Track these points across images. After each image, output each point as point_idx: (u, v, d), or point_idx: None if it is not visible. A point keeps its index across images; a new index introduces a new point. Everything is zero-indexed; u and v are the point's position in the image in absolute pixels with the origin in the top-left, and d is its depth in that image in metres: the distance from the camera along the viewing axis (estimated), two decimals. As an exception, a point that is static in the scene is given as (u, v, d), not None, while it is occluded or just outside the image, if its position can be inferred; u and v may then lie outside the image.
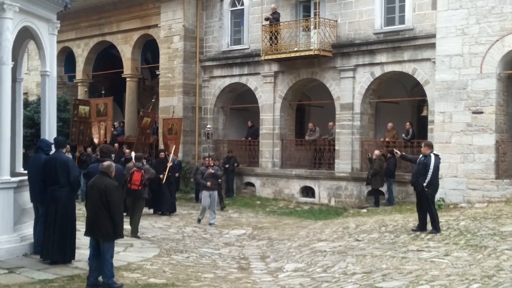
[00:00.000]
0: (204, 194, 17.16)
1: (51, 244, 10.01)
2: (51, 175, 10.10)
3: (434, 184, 12.96)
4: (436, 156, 13.05)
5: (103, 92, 23.00)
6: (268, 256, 12.62)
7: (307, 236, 14.70)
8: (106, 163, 9.25)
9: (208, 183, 16.93)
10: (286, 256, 12.39)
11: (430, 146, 13.37)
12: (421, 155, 13.27)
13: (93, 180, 8.97)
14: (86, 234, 9.06)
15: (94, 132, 22.69)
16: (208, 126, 24.08)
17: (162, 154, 20.37)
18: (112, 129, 25.06)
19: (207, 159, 18.43)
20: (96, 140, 22.63)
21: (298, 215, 19.78)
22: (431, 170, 12.74)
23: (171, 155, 20.18)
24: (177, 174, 21.84)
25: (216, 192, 17.50)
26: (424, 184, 12.73)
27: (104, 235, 8.68)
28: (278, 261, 12.03)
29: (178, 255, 12.20)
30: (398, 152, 14.27)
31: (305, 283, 9.67)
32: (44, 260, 10.11)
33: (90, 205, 8.84)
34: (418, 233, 12.71)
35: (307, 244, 13.56)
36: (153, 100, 24.82)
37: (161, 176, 18.51)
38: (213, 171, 17.18)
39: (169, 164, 19.12)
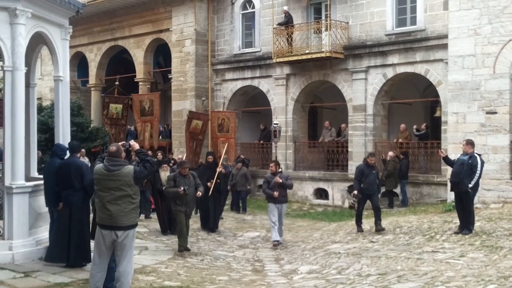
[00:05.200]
0: (271, 207, 14.10)
1: (65, 248, 10.06)
2: (65, 179, 10.16)
3: (478, 185, 12.89)
4: (480, 156, 12.96)
5: (116, 83, 19.67)
6: (282, 258, 12.60)
7: (321, 238, 14.67)
8: None
9: (276, 193, 13.87)
10: (300, 258, 12.37)
11: (473, 144, 13.14)
12: (460, 155, 13.18)
13: None
14: (91, 237, 9.10)
15: (139, 134, 19.69)
16: (275, 122, 21.41)
17: (210, 158, 16.85)
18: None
19: (272, 164, 14.74)
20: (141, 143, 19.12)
21: (312, 217, 19.75)
22: (478, 172, 12.62)
23: (221, 159, 17.37)
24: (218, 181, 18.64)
25: (285, 205, 14.57)
26: (470, 185, 12.59)
27: None
28: (293, 263, 12.01)
29: (192, 258, 12.21)
30: (444, 152, 14.07)
31: (320, 285, 9.65)
32: (49, 263, 10.13)
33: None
34: (460, 235, 12.48)
35: (321, 246, 13.53)
36: (203, 99, 22.48)
37: (208, 184, 15.84)
38: (281, 180, 13.97)
39: (219, 169, 16.54)
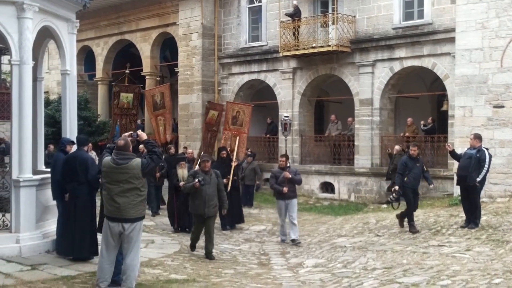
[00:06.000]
0: (279, 204, 13.58)
1: (71, 241, 10.09)
2: (71, 172, 10.20)
3: (485, 179, 12.89)
4: (487, 150, 12.93)
5: (127, 71, 18.08)
6: (288, 252, 12.63)
7: (327, 232, 14.70)
8: None
9: (285, 189, 13.27)
10: (306, 252, 12.40)
11: (480, 138, 13.12)
12: (467, 149, 13.14)
13: None
14: (99, 231, 9.12)
15: (155, 130, 19.00)
16: (285, 115, 20.37)
17: (224, 153, 16.17)
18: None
19: (282, 158, 14.00)
20: (157, 139, 18.41)
21: (318, 210, 19.76)
22: (486, 166, 12.62)
23: (235, 154, 16.70)
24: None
25: (295, 200, 13.70)
26: (478, 179, 12.55)
27: None
28: (298, 256, 12.04)
29: (198, 251, 12.24)
30: (450, 146, 14.00)
31: (326, 279, 9.67)
32: (60, 256, 10.17)
33: None
34: (466, 229, 12.47)
35: (327, 239, 13.56)
36: (219, 89, 21.97)
37: (225, 181, 14.55)
38: (290, 176, 13.39)
39: (234, 164, 16.05)
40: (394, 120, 22.29)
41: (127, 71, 17.21)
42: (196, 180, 11.45)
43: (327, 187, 22.78)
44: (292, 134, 23.53)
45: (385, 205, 15.89)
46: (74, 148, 10.81)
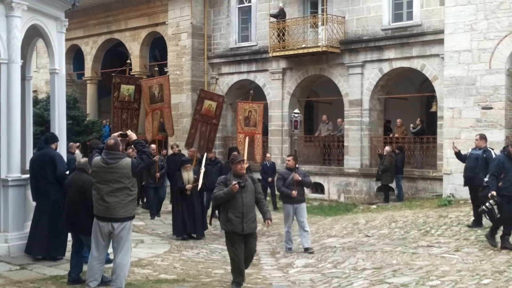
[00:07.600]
0: (287, 209, 12.48)
1: (38, 240, 9.97)
2: (40, 171, 10.10)
3: None
4: (493, 150, 12.87)
5: (128, 61, 16.72)
6: (278, 252, 12.63)
7: (317, 232, 14.71)
8: (83, 160, 9.35)
9: (294, 193, 12.18)
10: (296, 252, 12.40)
11: (486, 139, 13.04)
12: (471, 149, 13.10)
13: (71, 177, 9.00)
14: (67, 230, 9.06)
15: (147, 125, 17.07)
16: (295, 111, 18.76)
17: (235, 154, 13.72)
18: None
19: (289, 158, 12.79)
20: (148, 136, 16.80)
21: (308, 211, 19.38)
22: None
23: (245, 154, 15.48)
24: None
25: (304, 204, 12.66)
26: (486, 179, 12.44)
27: (85, 230, 8.43)
28: (288, 257, 12.04)
29: (188, 251, 12.23)
30: (456, 147, 13.85)
31: (316, 279, 9.68)
32: (30, 256, 10.00)
33: (68, 202, 8.81)
34: (475, 229, 12.41)
35: (317, 240, 13.57)
36: (217, 78, 21.56)
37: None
38: (300, 178, 12.29)
39: (246, 165, 15.36)
40: (383, 121, 22.37)
41: (128, 61, 16.49)
42: (235, 182, 8.91)
43: (317, 188, 22.79)
44: (281, 135, 23.62)
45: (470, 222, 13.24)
46: (62, 146, 10.75)
